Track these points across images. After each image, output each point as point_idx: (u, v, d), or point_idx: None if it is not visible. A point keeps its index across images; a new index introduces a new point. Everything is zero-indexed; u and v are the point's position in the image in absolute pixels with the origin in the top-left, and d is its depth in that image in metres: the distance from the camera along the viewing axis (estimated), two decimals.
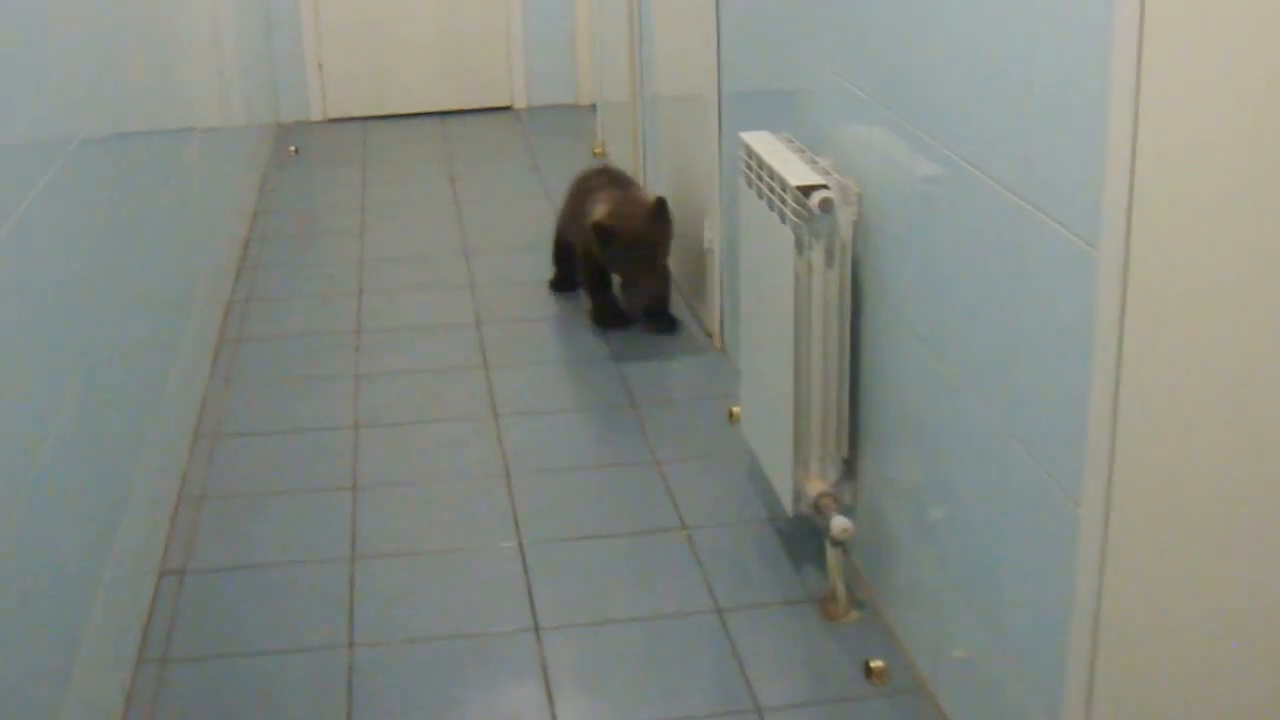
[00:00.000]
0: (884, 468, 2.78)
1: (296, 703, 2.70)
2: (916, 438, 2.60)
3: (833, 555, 2.87)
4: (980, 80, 2.19)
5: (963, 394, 2.36)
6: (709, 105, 3.99)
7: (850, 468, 2.92)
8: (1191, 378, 1.70)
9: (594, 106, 6.50)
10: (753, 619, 2.90)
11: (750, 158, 3.03)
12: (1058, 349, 2.00)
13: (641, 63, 5.09)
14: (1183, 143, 1.66)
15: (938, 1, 2.33)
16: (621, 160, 5.38)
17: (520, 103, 7.19)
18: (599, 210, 4.16)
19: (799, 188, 2.71)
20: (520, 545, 3.20)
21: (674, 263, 4.36)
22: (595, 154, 6.09)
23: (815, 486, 2.87)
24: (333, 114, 7.10)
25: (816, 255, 2.75)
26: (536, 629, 2.89)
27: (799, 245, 2.75)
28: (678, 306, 4.45)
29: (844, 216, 2.73)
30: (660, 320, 4.32)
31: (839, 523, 2.79)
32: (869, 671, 2.68)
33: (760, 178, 2.96)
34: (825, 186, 2.69)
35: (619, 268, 4.18)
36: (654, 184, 4.88)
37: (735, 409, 3.51)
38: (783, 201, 2.79)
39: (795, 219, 2.74)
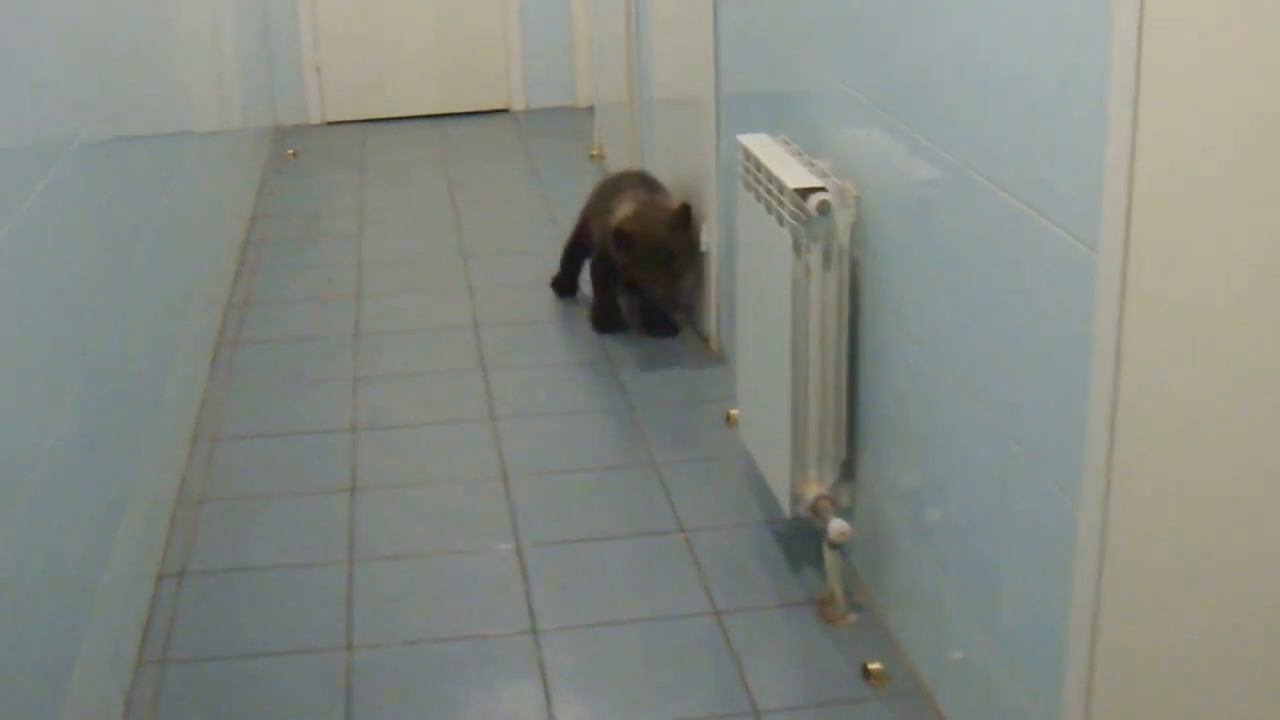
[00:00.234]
0: (882, 470, 2.79)
1: (296, 704, 2.70)
2: (915, 440, 2.60)
3: (830, 558, 2.87)
4: (979, 82, 2.19)
5: (961, 396, 2.36)
6: (707, 107, 3.99)
7: (848, 470, 2.92)
8: (1190, 380, 1.70)
9: (592, 109, 6.49)
10: (751, 621, 2.90)
11: (748, 160, 3.03)
12: (1056, 351, 2.00)
13: (639, 65, 5.08)
14: (1182, 145, 1.67)
15: (936, 4, 2.33)
16: (618, 163, 5.38)
17: (518, 105, 7.19)
18: (622, 211, 4.11)
19: (797, 190, 2.71)
20: (518, 547, 3.20)
21: None
22: (593, 156, 6.09)
23: (813, 489, 2.88)
24: (331, 117, 7.10)
25: (814, 258, 2.75)
26: (535, 631, 2.89)
27: (797, 248, 2.75)
28: None
29: (842, 219, 2.72)
30: (660, 323, 4.31)
31: (837, 525, 2.79)
32: (867, 674, 2.68)
33: (758, 180, 2.96)
34: (823, 189, 2.69)
35: (636, 273, 4.07)
36: None
37: (733, 412, 3.51)
38: (780, 204, 2.79)
39: (793, 222, 2.74)
